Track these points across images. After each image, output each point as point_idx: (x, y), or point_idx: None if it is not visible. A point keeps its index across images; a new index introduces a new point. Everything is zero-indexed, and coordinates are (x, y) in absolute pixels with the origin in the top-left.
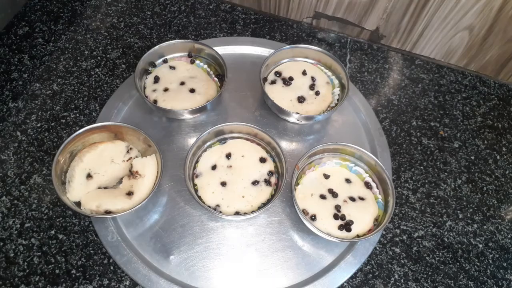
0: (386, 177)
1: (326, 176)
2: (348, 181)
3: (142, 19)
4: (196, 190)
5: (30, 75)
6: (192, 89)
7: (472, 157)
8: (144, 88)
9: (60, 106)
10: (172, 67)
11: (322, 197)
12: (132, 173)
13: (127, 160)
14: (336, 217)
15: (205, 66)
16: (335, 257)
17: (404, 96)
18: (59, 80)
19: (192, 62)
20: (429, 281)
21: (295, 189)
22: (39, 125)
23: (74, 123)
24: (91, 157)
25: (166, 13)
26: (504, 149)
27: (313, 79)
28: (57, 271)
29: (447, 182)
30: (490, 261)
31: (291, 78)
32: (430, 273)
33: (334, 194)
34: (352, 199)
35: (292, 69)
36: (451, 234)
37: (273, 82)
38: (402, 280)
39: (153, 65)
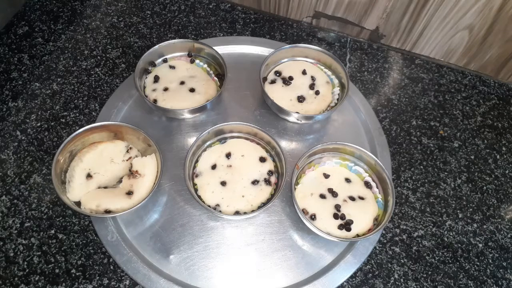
0: (386, 176)
1: (326, 176)
2: (348, 180)
3: (142, 18)
4: (196, 190)
5: (30, 75)
6: (192, 88)
7: (472, 157)
8: (144, 87)
9: (60, 105)
10: (172, 67)
11: (322, 196)
12: (132, 173)
13: (127, 160)
14: (336, 216)
15: (205, 65)
16: (335, 257)
17: (404, 95)
18: (59, 79)
19: (192, 61)
20: (429, 280)
21: (295, 189)
22: (39, 124)
23: (74, 123)
24: (91, 157)
25: (166, 13)
26: (504, 148)
27: (313, 78)
28: (57, 270)
29: (447, 181)
30: (490, 261)
31: (291, 78)
32: (430, 272)
33: (334, 193)
34: (352, 198)
35: (292, 69)
36: (451, 234)
37: (273, 82)
38: (402, 280)
39: (153, 64)
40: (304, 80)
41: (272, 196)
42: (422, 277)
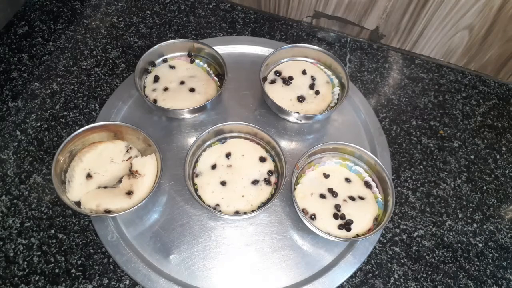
0: (385, 176)
1: (326, 176)
2: (348, 180)
3: (142, 18)
4: (196, 190)
5: (30, 75)
6: (192, 88)
7: (472, 157)
8: (144, 87)
9: (60, 105)
10: (172, 67)
11: (322, 196)
12: (132, 173)
13: (127, 160)
14: (335, 216)
15: (205, 65)
16: (335, 257)
17: (404, 95)
18: (58, 79)
19: (192, 61)
20: (428, 280)
21: (294, 189)
22: (38, 124)
23: (74, 123)
24: (90, 157)
25: (166, 13)
26: (503, 148)
27: (313, 78)
28: (57, 270)
29: (446, 181)
30: (490, 261)
31: (291, 78)
32: (429, 272)
33: (334, 193)
34: (352, 198)
35: (292, 69)
36: (451, 234)
37: (273, 82)
38: (401, 280)
39: (153, 64)
40: (304, 80)
41: (272, 196)
42: (422, 277)
